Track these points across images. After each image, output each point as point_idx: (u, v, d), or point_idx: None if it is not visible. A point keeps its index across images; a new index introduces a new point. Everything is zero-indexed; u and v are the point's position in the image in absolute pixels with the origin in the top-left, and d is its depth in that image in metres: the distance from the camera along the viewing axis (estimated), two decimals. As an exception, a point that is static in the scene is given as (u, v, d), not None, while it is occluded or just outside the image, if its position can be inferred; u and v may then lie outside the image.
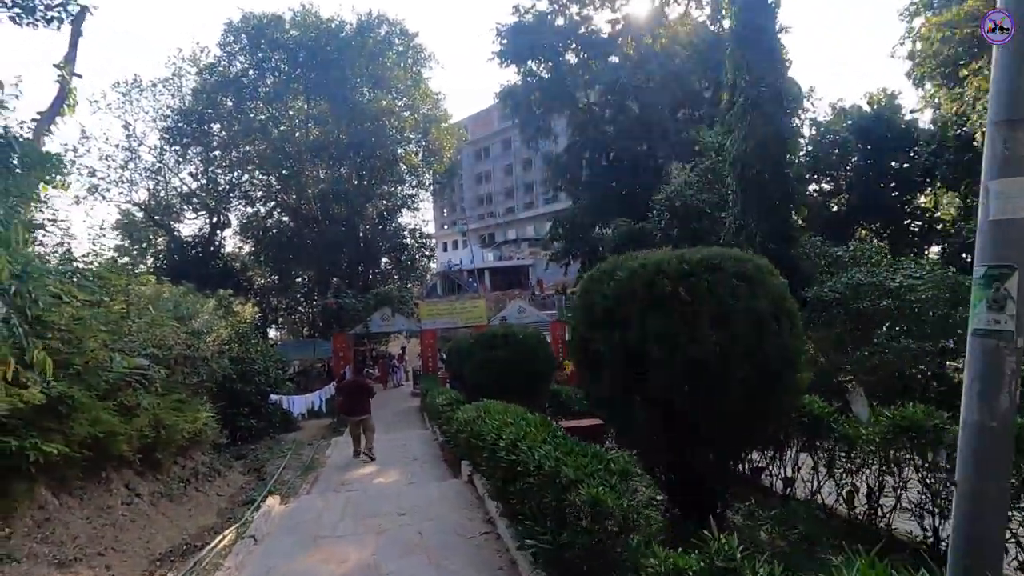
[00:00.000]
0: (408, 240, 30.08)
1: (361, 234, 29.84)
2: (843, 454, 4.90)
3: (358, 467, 10.61)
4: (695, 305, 4.09)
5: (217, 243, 32.08)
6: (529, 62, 32.68)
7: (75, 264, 8.32)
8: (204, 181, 31.14)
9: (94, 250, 9.35)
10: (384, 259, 32.24)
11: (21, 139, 8.12)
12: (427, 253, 31.45)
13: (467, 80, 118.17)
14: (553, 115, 34.97)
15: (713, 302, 4.10)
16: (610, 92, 31.81)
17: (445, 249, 68.36)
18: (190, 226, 32.74)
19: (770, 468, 5.83)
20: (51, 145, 11.17)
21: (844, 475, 4.87)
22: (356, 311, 20.09)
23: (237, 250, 36.19)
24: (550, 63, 32.79)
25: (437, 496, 7.00)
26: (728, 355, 3.97)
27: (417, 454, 11.43)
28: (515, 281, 53.16)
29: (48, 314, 6.07)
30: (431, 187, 35.19)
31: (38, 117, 11.65)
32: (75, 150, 30.74)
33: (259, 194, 33.47)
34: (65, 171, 10.92)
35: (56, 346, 6.01)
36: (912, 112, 26.24)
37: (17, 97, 7.23)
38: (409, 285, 24.37)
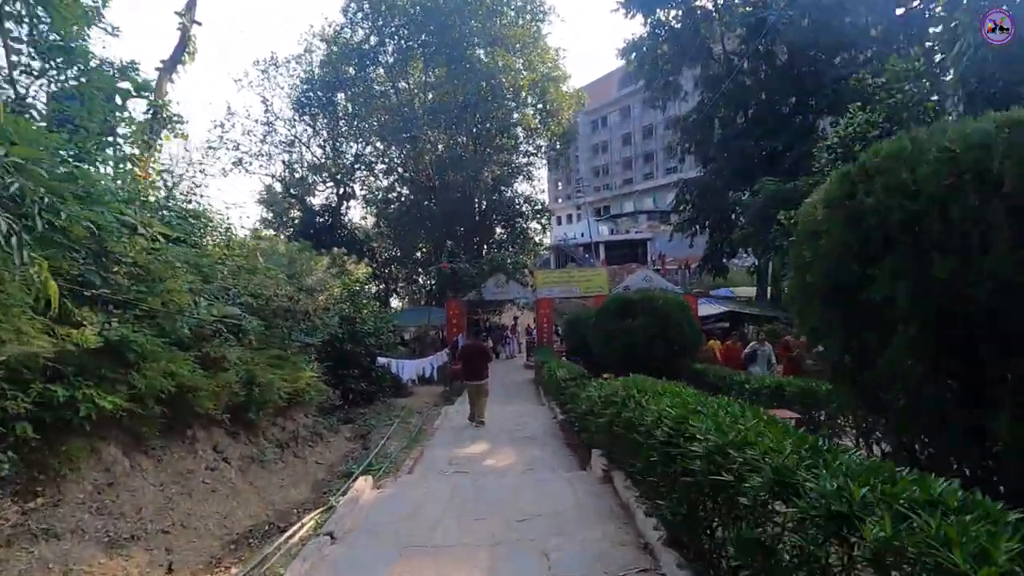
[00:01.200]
0: (524, 207, 28.56)
1: (476, 203, 28.83)
2: None
3: (468, 442, 9.24)
4: None
5: (343, 213, 32.92)
6: (658, 11, 29.28)
7: (172, 202, 7.57)
8: (331, 152, 31.92)
9: (193, 186, 8.64)
10: (499, 229, 31.09)
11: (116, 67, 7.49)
12: (543, 221, 29.63)
13: (584, 47, 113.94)
14: (682, 71, 31.30)
15: None
16: (752, 37, 27.53)
17: (559, 223, 66.46)
18: (319, 197, 33.90)
19: None
20: (173, 94, 10.82)
21: None
22: (470, 277, 18.96)
23: (362, 220, 37.41)
24: (681, 11, 29.16)
25: (567, 498, 5.24)
26: None
27: (534, 432, 9.83)
28: (632, 256, 49.91)
29: (114, 244, 5.10)
30: (547, 153, 33.23)
31: (161, 65, 11.40)
32: (222, 126, 33.05)
33: (381, 166, 33.83)
34: (175, 119, 10.44)
35: (119, 281, 5.02)
36: None
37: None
38: (523, 257, 22.85)
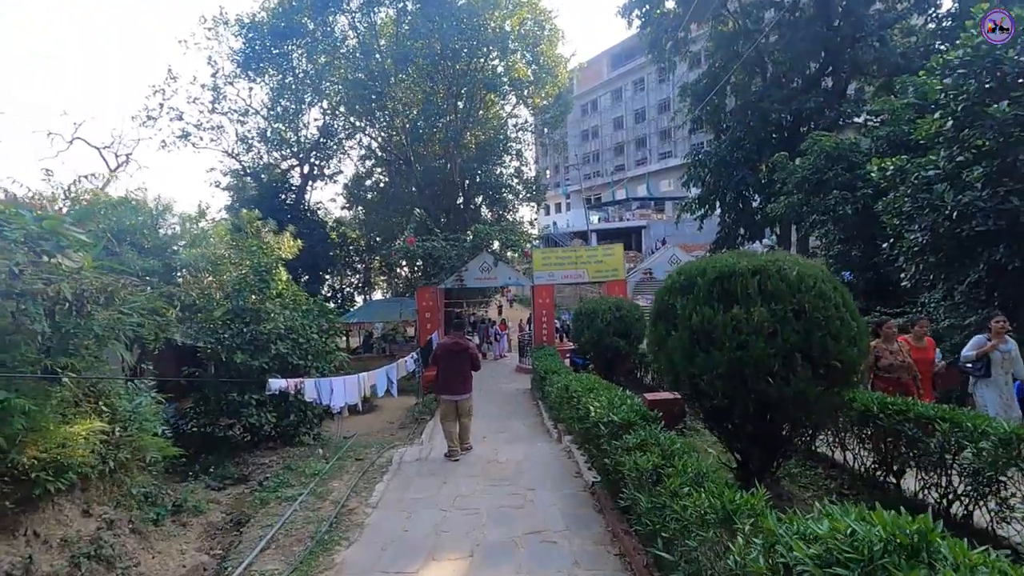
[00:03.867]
0: (514, 183, 23.82)
1: (459, 180, 23.97)
2: None
3: (427, 543, 4.62)
4: None
5: (305, 191, 27.98)
6: (665, -42, 24.73)
7: None
8: (291, 121, 27.01)
9: None
10: (486, 211, 26.30)
11: None
12: (536, 199, 24.73)
13: (574, 26, 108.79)
14: (690, 30, 26.80)
15: None
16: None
17: (548, 212, 61.87)
18: (279, 177, 28.81)
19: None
20: None
21: None
22: (449, 260, 14.31)
23: (332, 202, 32.60)
24: (692, -43, 24.57)
25: None
26: None
27: (548, 511, 5.23)
28: (627, 244, 45.54)
29: None
30: (539, 127, 28.40)
31: None
32: (162, 92, 27.86)
33: (351, 143, 28.91)
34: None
35: None
36: None
37: None
38: (514, 236, 18.10)
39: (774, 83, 24.29)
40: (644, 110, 53.88)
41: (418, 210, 16.01)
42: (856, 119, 20.90)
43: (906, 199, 10.06)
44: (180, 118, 27.03)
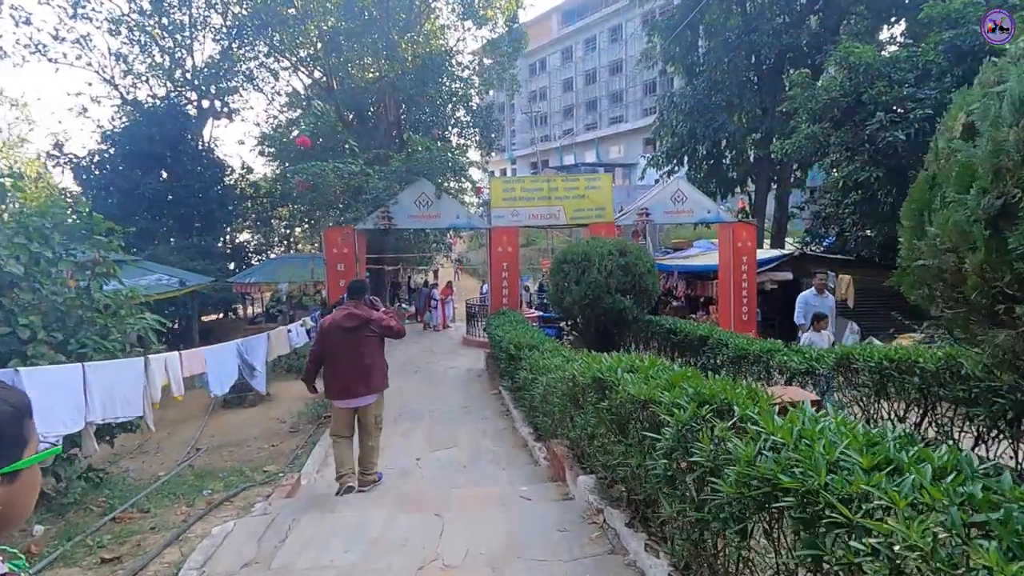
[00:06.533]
0: (460, 112, 19.07)
1: (392, 115, 18.85)
2: None
3: None
4: None
5: (207, 131, 22.00)
6: None
7: None
8: (176, 32, 20.83)
9: None
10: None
11: None
12: (490, 137, 19.94)
13: None
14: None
15: None
16: None
17: (493, 177, 57.17)
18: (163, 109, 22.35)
19: None
20: None
21: None
22: (370, 191, 9.82)
23: (240, 144, 26.17)
24: None
25: None
26: None
27: None
28: (577, 210, 41.98)
29: None
30: (488, 69, 23.41)
31: None
32: (-3, -17, 20.79)
33: (263, 76, 22.82)
34: None
35: None
36: None
37: None
38: (463, 157, 13.56)
39: (758, 17, 20.77)
40: (595, 71, 49.87)
41: (318, 102, 11.16)
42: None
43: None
44: (28, 22, 20.28)
